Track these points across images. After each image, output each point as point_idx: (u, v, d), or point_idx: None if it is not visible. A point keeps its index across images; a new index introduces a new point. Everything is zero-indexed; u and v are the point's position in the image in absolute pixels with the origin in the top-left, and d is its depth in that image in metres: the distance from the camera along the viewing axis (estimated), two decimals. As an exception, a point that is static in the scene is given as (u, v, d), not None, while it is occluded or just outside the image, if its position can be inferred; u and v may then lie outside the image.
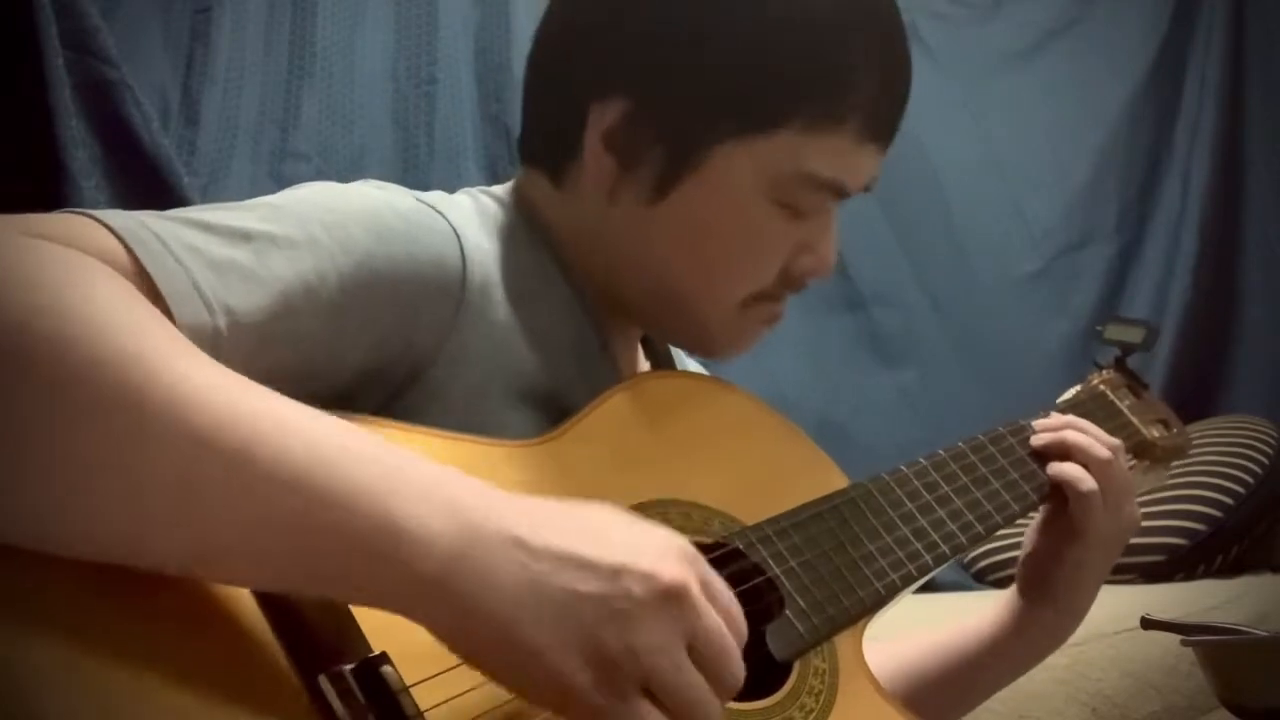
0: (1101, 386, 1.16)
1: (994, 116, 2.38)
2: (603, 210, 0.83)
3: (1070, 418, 0.99)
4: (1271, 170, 2.38)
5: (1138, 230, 2.42)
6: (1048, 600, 0.97)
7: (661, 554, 0.57)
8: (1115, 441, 0.97)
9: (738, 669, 0.58)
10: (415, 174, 1.78)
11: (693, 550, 0.59)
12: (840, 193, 0.83)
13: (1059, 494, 0.95)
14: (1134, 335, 1.21)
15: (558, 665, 0.54)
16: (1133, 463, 1.17)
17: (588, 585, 0.55)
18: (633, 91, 0.81)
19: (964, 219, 2.35)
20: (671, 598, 0.56)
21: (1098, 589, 0.98)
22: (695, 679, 0.57)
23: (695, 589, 0.57)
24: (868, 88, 0.81)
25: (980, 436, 0.97)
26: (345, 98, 1.79)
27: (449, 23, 1.87)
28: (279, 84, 1.74)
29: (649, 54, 0.81)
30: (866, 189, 0.87)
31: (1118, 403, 1.14)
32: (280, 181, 1.58)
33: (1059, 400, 1.14)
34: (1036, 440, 0.98)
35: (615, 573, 0.55)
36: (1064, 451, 0.96)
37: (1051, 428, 0.98)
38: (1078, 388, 1.19)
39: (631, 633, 0.55)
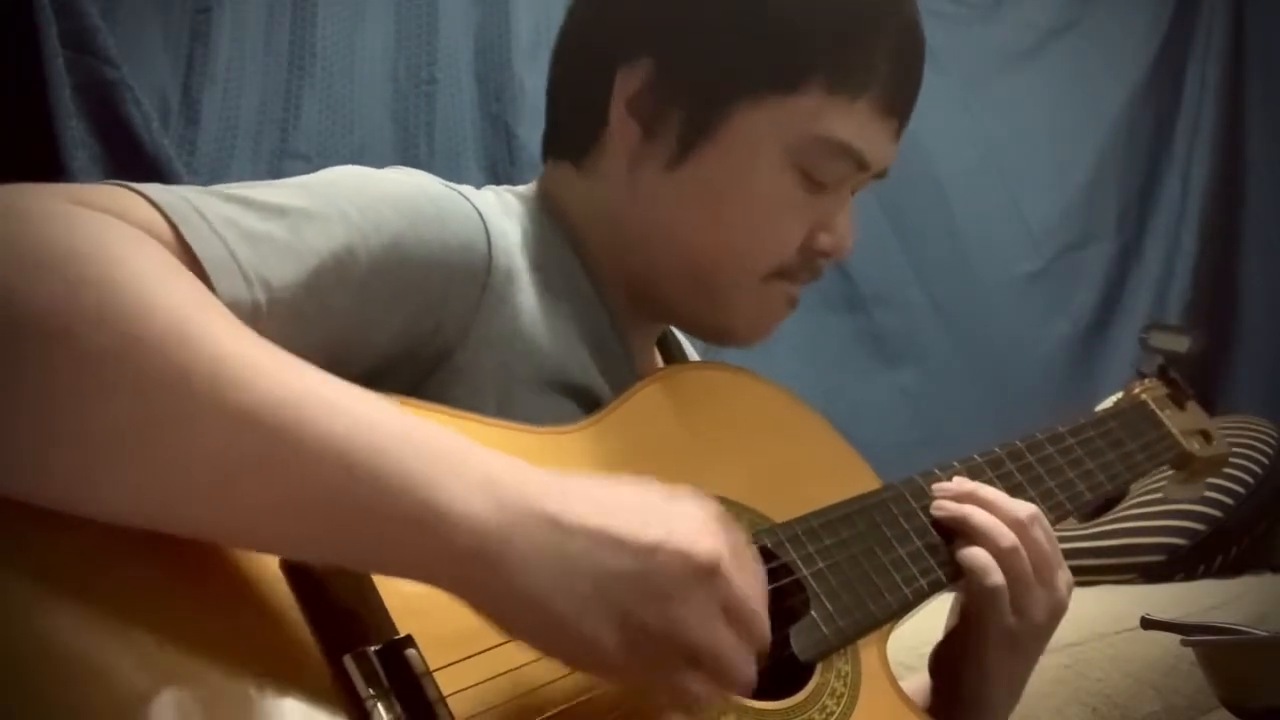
0: (1143, 396, 1.14)
1: (994, 116, 2.38)
2: (625, 182, 0.84)
3: (973, 488, 0.87)
4: (1271, 170, 2.38)
5: (1138, 230, 2.42)
6: (961, 697, 0.88)
7: (695, 527, 0.58)
8: (1024, 515, 0.85)
9: (766, 626, 0.60)
10: (417, 173, 1.77)
11: (721, 513, 0.61)
12: (860, 164, 0.83)
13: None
14: (1178, 344, 1.20)
15: (596, 640, 0.55)
16: (1169, 474, 1.16)
17: (624, 563, 0.56)
18: (657, 53, 0.81)
19: (964, 219, 2.35)
20: (705, 572, 0.57)
21: (1013, 690, 0.89)
22: (732, 643, 0.58)
23: (727, 560, 0.58)
24: (886, 59, 0.82)
25: (1018, 442, 0.96)
26: (345, 98, 1.79)
27: (449, 23, 1.87)
28: (279, 84, 1.74)
29: (673, 15, 0.82)
30: (880, 175, 0.87)
31: (1159, 413, 1.12)
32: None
33: (1099, 408, 1.12)
34: (936, 511, 0.86)
35: (651, 550, 0.56)
36: (967, 532, 0.85)
37: (952, 496, 0.87)
38: (1119, 395, 1.17)
39: (669, 609, 0.56)
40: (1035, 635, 0.86)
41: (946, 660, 0.89)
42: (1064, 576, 0.86)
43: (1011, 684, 0.89)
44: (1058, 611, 0.85)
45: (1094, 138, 2.43)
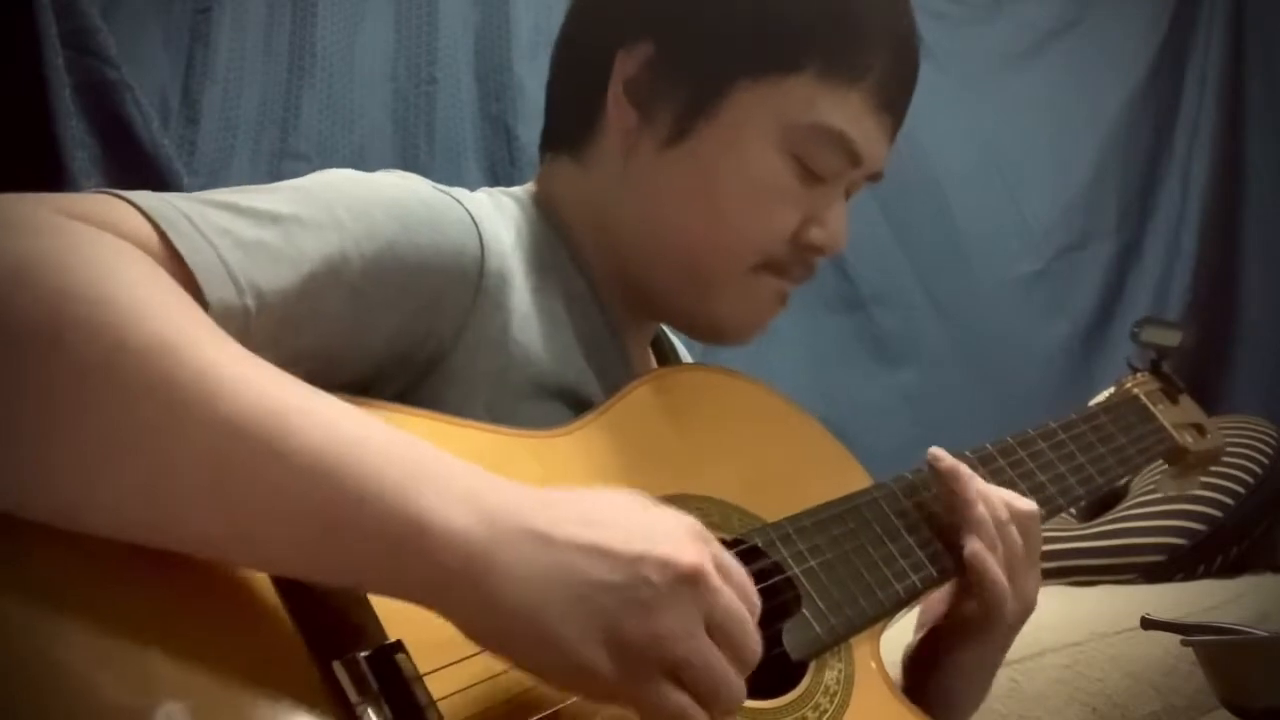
0: (1135, 390, 1.14)
1: (994, 116, 2.38)
2: (619, 168, 0.84)
3: (968, 474, 0.87)
4: (1271, 170, 2.38)
5: (1138, 230, 2.42)
6: (923, 696, 0.87)
7: (677, 538, 0.58)
8: (1004, 515, 0.85)
9: (755, 643, 0.60)
10: (415, 174, 1.77)
11: (704, 529, 0.60)
12: (854, 157, 0.84)
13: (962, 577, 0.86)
14: (1170, 338, 1.20)
15: (582, 654, 0.54)
16: (1163, 468, 1.16)
17: (608, 575, 0.55)
18: (656, 36, 0.82)
19: (964, 219, 2.35)
20: (689, 581, 0.57)
21: (983, 688, 0.90)
22: (716, 658, 0.58)
23: (711, 570, 0.58)
24: (882, 52, 0.83)
25: (1009, 438, 0.96)
26: (345, 98, 1.79)
27: (449, 23, 1.87)
28: (279, 84, 1.75)
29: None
30: (875, 178, 0.87)
31: (1151, 407, 1.12)
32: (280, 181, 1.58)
33: (1092, 402, 1.12)
34: (936, 462, 0.87)
35: (634, 561, 0.56)
36: (963, 517, 0.85)
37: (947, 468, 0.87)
38: (1111, 390, 1.17)
39: (653, 619, 0.56)
40: (1004, 634, 0.87)
41: (921, 655, 0.90)
42: (1034, 578, 0.87)
43: (982, 682, 0.91)
44: (1024, 613, 0.86)
45: (1094, 138, 2.43)
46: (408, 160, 1.80)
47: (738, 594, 0.59)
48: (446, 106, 1.85)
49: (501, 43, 1.90)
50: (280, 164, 1.72)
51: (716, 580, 0.58)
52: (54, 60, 1.40)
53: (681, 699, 0.57)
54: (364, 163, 1.75)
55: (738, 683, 0.59)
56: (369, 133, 1.81)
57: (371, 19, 1.84)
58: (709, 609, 0.57)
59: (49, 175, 1.39)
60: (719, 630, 0.58)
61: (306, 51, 1.77)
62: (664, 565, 0.56)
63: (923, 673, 0.89)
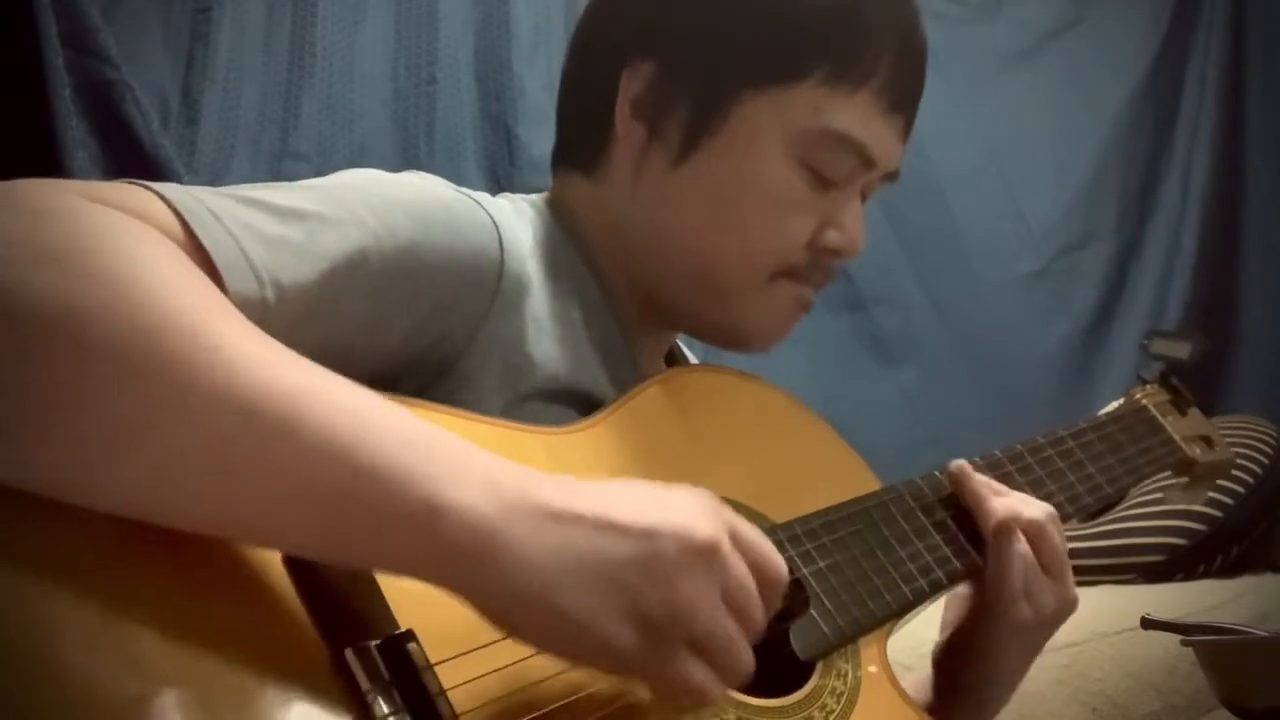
0: (1144, 401, 1.14)
1: (994, 117, 2.38)
2: (631, 185, 0.84)
3: (998, 485, 0.90)
4: (1271, 170, 2.38)
5: (1138, 230, 2.42)
6: (962, 688, 0.90)
7: (691, 511, 0.59)
8: (1043, 515, 0.87)
9: (762, 613, 0.60)
10: (417, 174, 1.77)
11: (717, 501, 0.61)
12: (866, 159, 0.84)
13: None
14: (1180, 350, 1.19)
15: (602, 630, 0.55)
16: (1172, 479, 1.16)
17: (624, 549, 0.56)
18: (659, 52, 0.82)
19: (964, 219, 2.35)
20: (704, 553, 0.57)
21: (1014, 683, 0.91)
22: (731, 627, 0.58)
23: (725, 540, 0.59)
24: (887, 52, 0.82)
25: (1018, 445, 0.96)
26: (345, 98, 1.79)
27: (449, 23, 1.87)
28: (279, 84, 1.74)
29: (673, 14, 0.83)
30: (891, 177, 0.87)
31: (1160, 419, 1.12)
32: (280, 181, 1.58)
33: (1101, 413, 1.12)
34: (965, 482, 0.89)
35: (649, 534, 0.56)
36: (984, 513, 0.87)
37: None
38: (1120, 401, 1.17)
39: (670, 591, 0.56)
40: (1043, 627, 0.87)
41: (953, 652, 0.90)
42: (1051, 587, 0.87)
43: (1013, 676, 0.90)
44: (1066, 607, 0.87)
45: (1094, 138, 2.43)
46: (408, 160, 1.80)
47: (760, 559, 0.60)
48: (446, 106, 1.85)
49: (501, 43, 1.90)
50: (280, 164, 1.72)
51: (730, 552, 0.59)
52: (54, 60, 1.40)
53: (701, 671, 0.57)
54: (364, 162, 1.74)
55: (750, 654, 0.60)
56: (369, 133, 1.81)
57: (371, 19, 1.84)
58: (723, 579, 0.58)
59: (49, 175, 1.38)
60: (731, 599, 0.59)
61: (306, 51, 1.77)
62: (678, 538, 0.57)
63: (955, 676, 0.90)
